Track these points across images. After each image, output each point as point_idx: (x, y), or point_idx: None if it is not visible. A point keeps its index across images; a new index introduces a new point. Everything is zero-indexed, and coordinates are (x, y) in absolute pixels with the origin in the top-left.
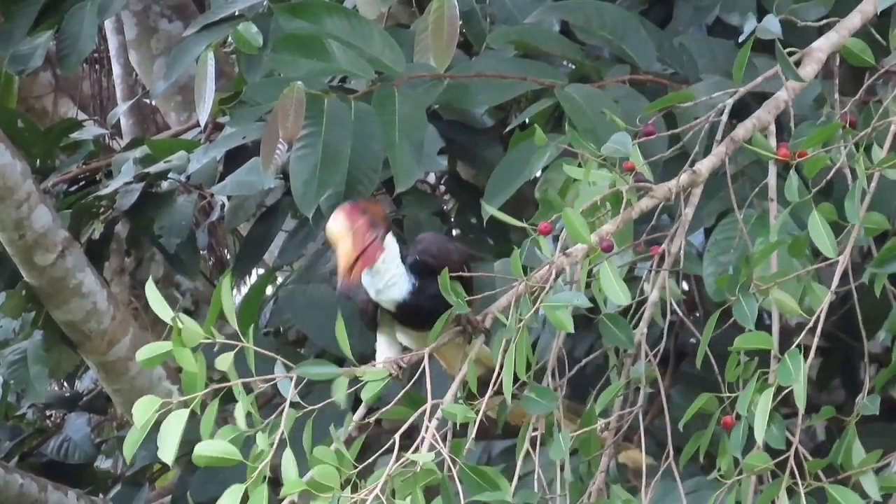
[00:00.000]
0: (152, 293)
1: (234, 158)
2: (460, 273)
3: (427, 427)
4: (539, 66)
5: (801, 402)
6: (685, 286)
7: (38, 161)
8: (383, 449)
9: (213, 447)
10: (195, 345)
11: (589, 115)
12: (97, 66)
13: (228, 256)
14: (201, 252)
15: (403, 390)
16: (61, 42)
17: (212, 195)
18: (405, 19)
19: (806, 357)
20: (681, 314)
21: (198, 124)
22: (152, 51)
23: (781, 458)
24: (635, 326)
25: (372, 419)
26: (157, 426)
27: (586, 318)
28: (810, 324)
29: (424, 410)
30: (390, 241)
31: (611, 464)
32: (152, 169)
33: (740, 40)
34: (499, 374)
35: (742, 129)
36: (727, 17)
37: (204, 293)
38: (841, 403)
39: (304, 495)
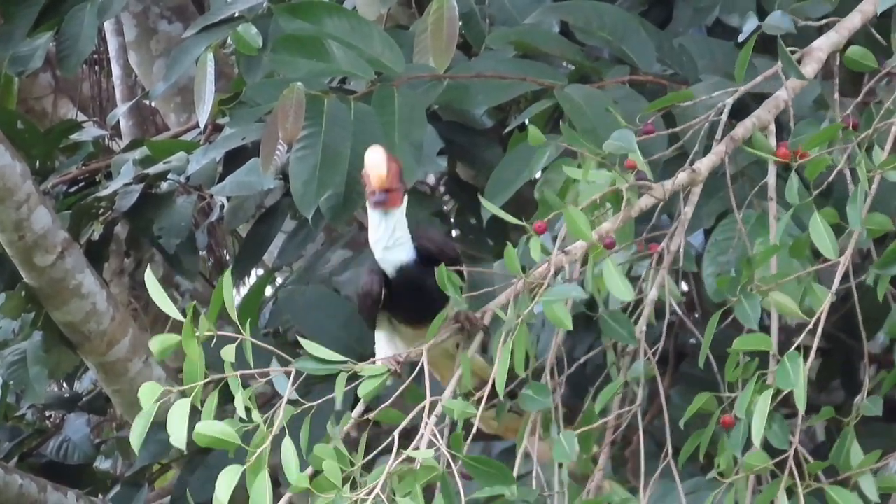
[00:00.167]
0: (153, 286)
1: (234, 159)
2: (457, 268)
3: (426, 423)
4: (538, 67)
5: (801, 404)
6: (684, 286)
7: (37, 162)
8: (381, 447)
9: (214, 427)
10: (204, 335)
11: (589, 116)
12: (97, 68)
13: (228, 257)
14: (201, 253)
15: (403, 385)
16: (61, 43)
17: (211, 196)
18: (405, 20)
19: (806, 358)
20: (680, 314)
21: (197, 125)
22: (152, 52)
23: (781, 458)
24: (634, 325)
25: (371, 416)
26: (157, 425)
27: (586, 318)
28: (810, 325)
29: (423, 408)
30: (404, 206)
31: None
32: (152, 170)
33: (740, 40)
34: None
35: (742, 128)
36: (727, 18)
37: (203, 294)
38: (841, 404)
39: (301, 494)
